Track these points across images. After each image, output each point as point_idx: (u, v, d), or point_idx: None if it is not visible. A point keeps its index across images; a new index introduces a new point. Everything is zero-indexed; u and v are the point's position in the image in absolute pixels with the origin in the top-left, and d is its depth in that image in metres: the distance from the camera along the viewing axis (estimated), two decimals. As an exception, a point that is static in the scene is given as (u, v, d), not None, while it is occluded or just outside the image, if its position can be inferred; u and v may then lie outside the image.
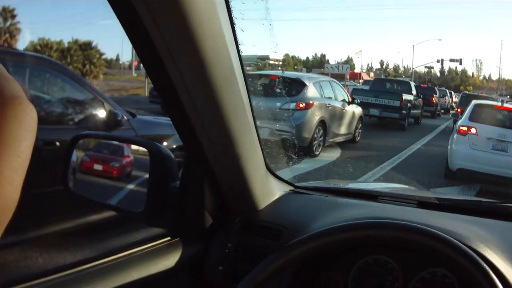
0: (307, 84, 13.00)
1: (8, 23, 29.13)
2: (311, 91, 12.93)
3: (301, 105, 12.30)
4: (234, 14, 1.51)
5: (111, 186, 2.29)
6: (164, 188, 1.86)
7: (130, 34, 1.40)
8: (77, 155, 2.24)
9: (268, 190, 2.09)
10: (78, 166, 2.33)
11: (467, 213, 2.08)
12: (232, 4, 1.49)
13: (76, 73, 8.01)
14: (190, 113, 1.59)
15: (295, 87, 12.94)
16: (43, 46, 28.21)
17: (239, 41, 1.50)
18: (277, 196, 2.13)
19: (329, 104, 13.48)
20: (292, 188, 2.30)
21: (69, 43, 30.12)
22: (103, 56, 31.77)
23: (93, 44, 31.09)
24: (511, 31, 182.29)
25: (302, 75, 15.73)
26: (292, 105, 12.24)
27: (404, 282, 1.72)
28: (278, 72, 15.23)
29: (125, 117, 6.40)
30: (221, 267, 1.90)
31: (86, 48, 30.67)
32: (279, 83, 13.43)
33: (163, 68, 1.44)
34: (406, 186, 3.15)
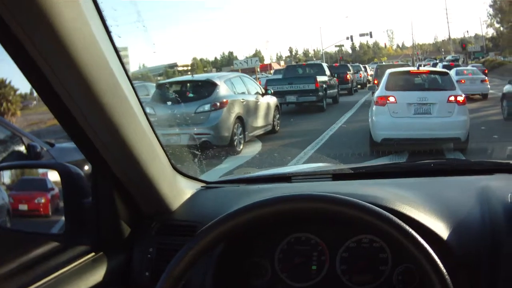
0: (218, 83, 13.27)
1: None
2: (223, 90, 13.20)
3: (215, 105, 12.56)
4: (108, 22, 1.54)
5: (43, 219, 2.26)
6: (78, 206, 1.90)
7: (14, 57, 1.43)
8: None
9: (178, 190, 2.13)
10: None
11: (386, 177, 2.21)
12: (104, 13, 1.53)
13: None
14: (83, 125, 1.63)
15: (207, 88, 13.21)
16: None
17: (118, 48, 1.54)
18: (189, 195, 2.19)
19: (243, 99, 13.77)
20: (204, 184, 2.35)
21: (-19, 85, 29.75)
22: (18, 92, 31.54)
23: (7, 81, 30.75)
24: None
25: (212, 75, 16.09)
26: (207, 107, 12.54)
27: (331, 255, 1.79)
28: (188, 77, 15.52)
29: (44, 148, 6.55)
30: (147, 272, 1.96)
31: (0, 86, 30.24)
32: (190, 88, 13.75)
33: (50, 87, 1.48)
34: (324, 164, 3.20)
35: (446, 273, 1.36)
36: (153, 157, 1.89)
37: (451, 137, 11.12)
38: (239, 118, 13.14)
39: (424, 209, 1.75)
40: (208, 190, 2.31)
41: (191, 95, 13.39)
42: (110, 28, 1.56)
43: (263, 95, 15.54)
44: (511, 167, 2.23)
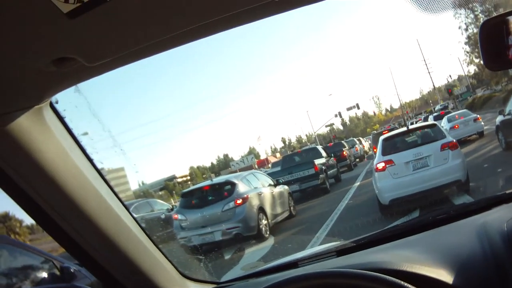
0: (236, 182, 15.46)
1: None
2: (241, 187, 15.35)
3: (238, 202, 14.70)
4: (88, 150, 1.84)
5: None
6: None
7: (16, 200, 1.75)
8: None
9: None
10: None
11: (388, 241, 2.39)
12: (83, 143, 1.82)
13: (22, 242, 8.16)
14: (84, 246, 1.91)
15: (227, 188, 15.41)
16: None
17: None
18: None
19: (260, 192, 15.82)
20: (215, 285, 2.58)
21: (-14, 219, 30.71)
22: (24, 224, 32.55)
23: (10, 213, 31.84)
24: (397, 55, 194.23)
25: (229, 176, 18.17)
26: (231, 204, 14.68)
27: None
28: (208, 182, 17.19)
29: (76, 268, 7.12)
30: None
31: (5, 220, 31.28)
32: (212, 190, 15.83)
33: (47, 216, 1.78)
34: (330, 244, 3.13)
35: None
36: (158, 267, 2.16)
37: (452, 181, 12.18)
38: (261, 209, 15.32)
39: (427, 262, 1.95)
40: None
41: (214, 196, 15.42)
42: (91, 156, 1.84)
43: (275, 185, 17.68)
44: (506, 196, 2.42)
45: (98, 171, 1.89)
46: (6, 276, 6.76)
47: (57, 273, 6.85)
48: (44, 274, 6.92)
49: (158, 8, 1.24)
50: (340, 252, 2.49)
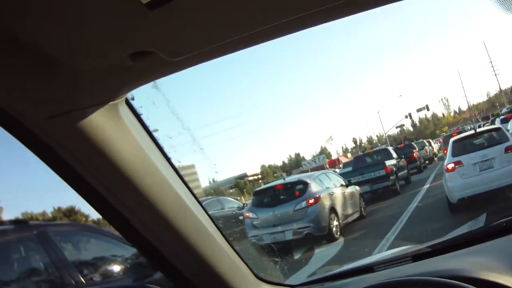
0: (309, 182, 15.57)
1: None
2: (314, 187, 15.46)
3: (310, 201, 14.83)
4: (166, 150, 1.82)
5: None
6: None
7: (90, 202, 1.73)
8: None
9: None
10: None
11: (462, 247, 2.34)
12: (160, 141, 1.79)
13: (104, 229, 7.73)
14: (161, 249, 1.91)
15: (300, 187, 15.57)
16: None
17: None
18: None
19: (332, 192, 15.90)
20: None
21: (52, 212, 31.12)
22: (90, 219, 32.66)
23: (76, 208, 32.10)
24: (464, 57, 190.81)
25: (302, 176, 18.26)
26: (304, 203, 14.82)
27: None
28: (280, 181, 17.27)
29: None
30: None
31: (70, 214, 31.67)
32: (284, 189, 16.00)
33: (121, 216, 1.77)
34: (404, 247, 3.13)
35: None
36: (233, 268, 2.13)
37: None
38: (332, 209, 15.36)
39: (502, 270, 1.91)
40: None
41: (286, 195, 15.58)
42: (169, 155, 1.83)
43: (347, 186, 17.47)
44: None
45: (175, 169, 1.86)
46: (92, 265, 6.71)
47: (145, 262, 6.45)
48: (130, 264, 6.91)
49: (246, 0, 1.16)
50: (416, 257, 2.44)
